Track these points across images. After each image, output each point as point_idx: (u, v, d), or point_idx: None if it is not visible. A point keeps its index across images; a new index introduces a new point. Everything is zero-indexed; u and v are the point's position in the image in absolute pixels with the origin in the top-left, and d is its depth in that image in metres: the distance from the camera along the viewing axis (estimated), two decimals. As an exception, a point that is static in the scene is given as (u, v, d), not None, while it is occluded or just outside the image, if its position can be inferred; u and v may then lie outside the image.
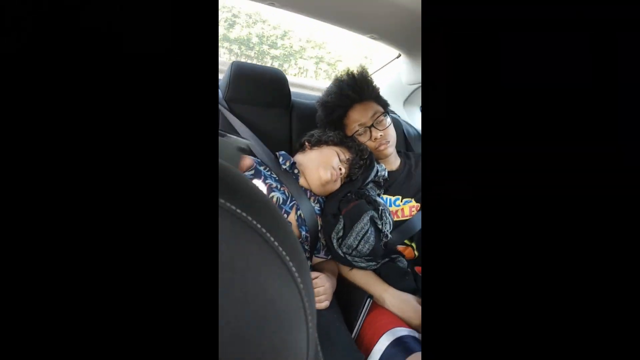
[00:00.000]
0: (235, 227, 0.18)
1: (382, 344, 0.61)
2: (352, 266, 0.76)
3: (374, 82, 0.96)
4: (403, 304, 0.70)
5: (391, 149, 0.91)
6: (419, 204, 0.86)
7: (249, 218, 0.18)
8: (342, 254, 0.75)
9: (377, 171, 0.85)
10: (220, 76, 1.04)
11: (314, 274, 0.73)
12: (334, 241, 0.76)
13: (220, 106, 0.95)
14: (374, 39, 1.13)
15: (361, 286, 0.75)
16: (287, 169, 0.84)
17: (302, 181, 0.84)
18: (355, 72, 0.93)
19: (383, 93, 0.98)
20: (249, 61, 1.01)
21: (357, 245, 0.73)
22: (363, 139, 0.90)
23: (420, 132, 1.28)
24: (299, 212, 0.79)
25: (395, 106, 1.40)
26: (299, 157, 0.88)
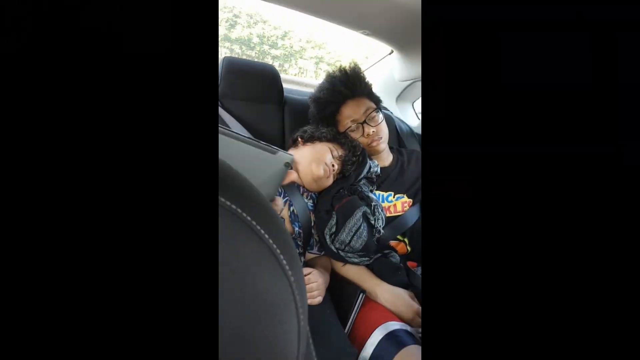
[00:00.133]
0: (224, 219, 0.18)
1: (375, 338, 0.61)
2: (345, 262, 0.76)
3: (367, 79, 0.96)
4: (395, 299, 0.70)
5: (383, 145, 0.92)
6: (411, 200, 0.87)
7: (239, 210, 0.18)
8: (335, 250, 0.75)
9: (370, 167, 0.86)
10: None
11: (307, 270, 0.73)
12: (327, 237, 0.76)
13: None
14: (367, 35, 1.13)
15: (354, 281, 0.76)
16: None
17: (294, 177, 0.84)
18: (347, 68, 0.93)
19: (375, 89, 0.98)
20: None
21: (350, 241, 0.73)
22: (355, 135, 0.90)
23: (413, 128, 1.28)
24: (292, 208, 0.79)
25: (388, 102, 1.41)
26: (292, 153, 0.88)
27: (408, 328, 0.64)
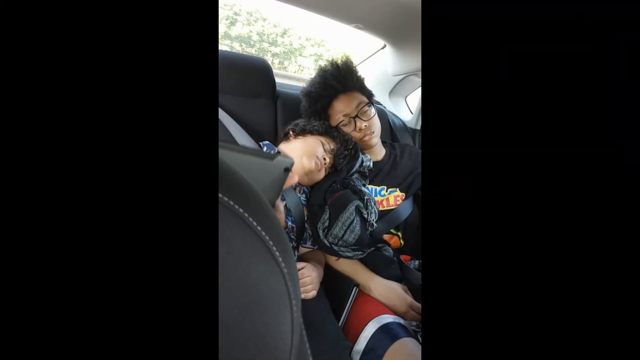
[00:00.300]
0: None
1: (368, 331, 0.61)
2: (338, 256, 0.76)
3: (359, 73, 0.95)
4: (389, 292, 0.71)
5: (376, 140, 0.91)
6: (403, 194, 0.87)
7: (231, 203, 0.18)
8: (328, 244, 0.75)
9: (362, 161, 0.86)
10: None
11: (300, 264, 0.73)
12: (320, 231, 0.76)
13: None
14: (359, 29, 1.12)
15: (348, 275, 0.76)
16: None
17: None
18: (339, 62, 0.93)
19: (368, 84, 0.97)
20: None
21: (343, 235, 0.73)
22: (348, 129, 0.89)
23: (405, 122, 1.28)
24: (284, 203, 0.78)
25: (381, 97, 1.40)
26: (283, 147, 0.87)
27: (401, 321, 0.64)
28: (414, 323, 0.66)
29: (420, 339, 0.62)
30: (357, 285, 0.72)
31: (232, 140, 0.86)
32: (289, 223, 0.78)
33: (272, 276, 0.19)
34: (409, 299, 0.70)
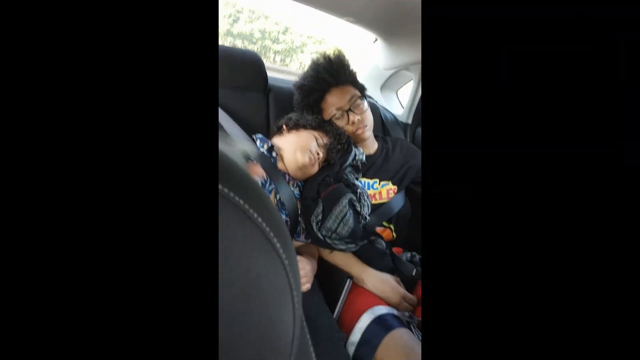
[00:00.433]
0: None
1: (363, 322, 0.62)
2: (332, 249, 0.77)
3: (351, 66, 0.95)
4: (382, 284, 0.71)
5: (368, 133, 0.92)
6: (396, 187, 0.87)
7: (231, 194, 0.18)
8: (321, 237, 0.75)
9: (355, 155, 0.86)
10: None
11: (294, 258, 0.72)
12: (314, 224, 0.76)
13: None
14: (351, 22, 1.11)
15: (341, 268, 0.76)
16: (265, 152, 0.82)
17: (280, 165, 0.83)
18: (331, 55, 0.92)
19: (360, 78, 0.97)
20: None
21: (337, 228, 0.74)
22: (341, 122, 0.89)
23: (397, 117, 1.29)
24: (278, 196, 0.78)
25: (373, 91, 1.40)
26: (277, 141, 0.87)
27: (395, 312, 0.65)
28: (407, 314, 0.67)
29: (413, 329, 0.63)
30: (351, 277, 0.72)
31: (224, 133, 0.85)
32: (283, 216, 0.78)
33: (273, 268, 0.19)
34: (402, 290, 0.71)
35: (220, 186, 0.18)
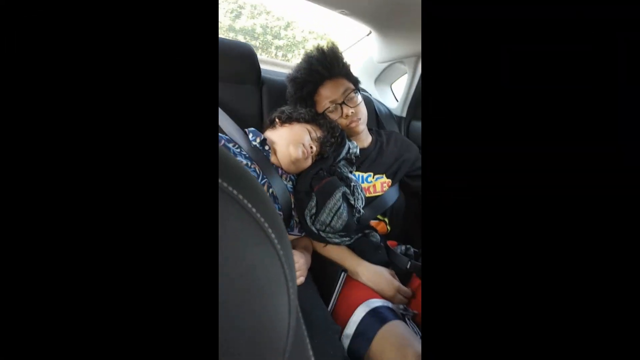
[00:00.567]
0: None
1: (357, 315, 0.62)
2: (326, 242, 0.76)
3: (344, 59, 0.94)
4: (376, 277, 0.71)
5: (362, 126, 0.91)
6: (390, 180, 0.87)
7: (224, 184, 0.18)
8: (315, 231, 0.75)
9: (349, 148, 0.85)
10: None
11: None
12: (307, 218, 0.76)
13: None
14: (344, 14, 1.10)
15: (335, 261, 0.76)
16: (258, 145, 0.81)
17: (273, 159, 0.83)
18: (325, 47, 0.91)
19: (354, 71, 0.96)
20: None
21: (331, 222, 0.73)
22: (334, 116, 0.89)
23: (391, 110, 1.28)
24: (271, 190, 0.78)
25: (367, 84, 1.40)
26: (270, 134, 0.86)
27: (389, 304, 0.65)
28: (401, 306, 0.67)
29: (407, 321, 0.63)
30: (345, 270, 0.72)
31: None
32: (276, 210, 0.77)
33: (268, 259, 0.19)
34: (397, 283, 0.71)
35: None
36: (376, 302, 0.64)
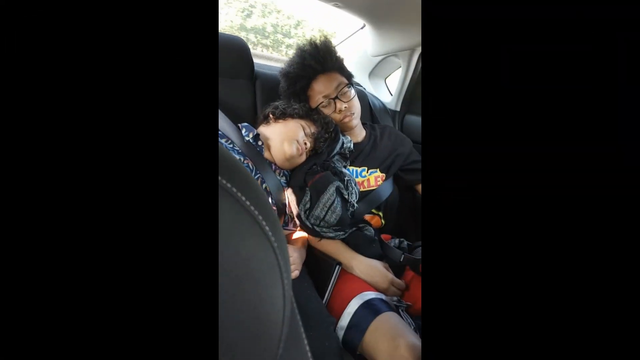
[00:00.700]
0: None
1: (351, 307, 0.63)
2: (320, 237, 0.77)
3: (338, 53, 0.94)
4: (370, 270, 0.72)
5: (356, 121, 0.91)
6: (384, 174, 0.88)
7: (220, 178, 0.18)
8: (310, 225, 0.75)
9: (343, 143, 0.86)
10: None
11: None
12: (302, 213, 0.76)
13: None
14: (338, 7, 1.10)
15: (330, 255, 0.77)
16: (251, 140, 0.81)
17: (266, 154, 0.83)
18: (318, 41, 0.91)
19: (347, 65, 0.96)
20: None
21: (325, 216, 0.74)
22: (327, 110, 0.89)
23: (386, 104, 1.29)
24: (264, 185, 0.78)
25: (361, 78, 1.39)
26: (263, 130, 0.86)
27: (383, 297, 0.66)
28: (395, 298, 0.68)
29: (401, 313, 0.64)
30: (340, 264, 0.73)
31: None
32: (270, 205, 0.78)
33: (262, 250, 0.20)
34: (390, 275, 0.72)
35: None
36: (370, 295, 0.65)
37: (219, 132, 0.81)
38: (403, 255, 0.74)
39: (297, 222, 0.80)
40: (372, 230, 0.82)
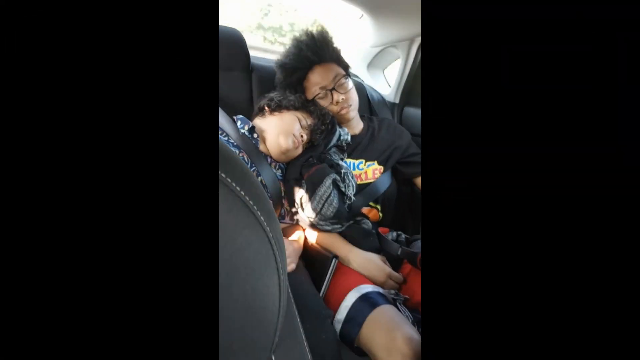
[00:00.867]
0: None
1: (348, 300, 0.63)
2: (317, 230, 0.76)
3: (335, 43, 0.92)
4: (368, 263, 0.72)
5: (353, 113, 0.90)
6: (382, 167, 0.87)
7: (218, 172, 0.19)
8: (306, 218, 0.75)
9: (340, 135, 0.85)
10: None
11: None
12: (298, 206, 0.75)
13: None
14: (335, -4, 1.08)
15: (327, 248, 0.76)
16: (246, 133, 0.80)
17: (262, 147, 0.82)
18: (314, 32, 0.89)
19: (345, 56, 0.95)
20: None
21: (321, 209, 0.73)
22: (324, 102, 0.87)
23: (384, 96, 1.27)
24: (260, 178, 0.77)
25: (359, 70, 1.38)
26: (259, 122, 0.84)
27: (380, 290, 0.66)
28: (392, 291, 0.68)
29: (398, 306, 0.64)
30: (336, 257, 0.73)
31: None
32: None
33: (257, 240, 0.20)
34: (387, 269, 0.72)
35: None
36: (367, 288, 0.65)
37: None
38: (400, 249, 0.73)
39: (294, 215, 0.79)
40: (370, 224, 0.81)
